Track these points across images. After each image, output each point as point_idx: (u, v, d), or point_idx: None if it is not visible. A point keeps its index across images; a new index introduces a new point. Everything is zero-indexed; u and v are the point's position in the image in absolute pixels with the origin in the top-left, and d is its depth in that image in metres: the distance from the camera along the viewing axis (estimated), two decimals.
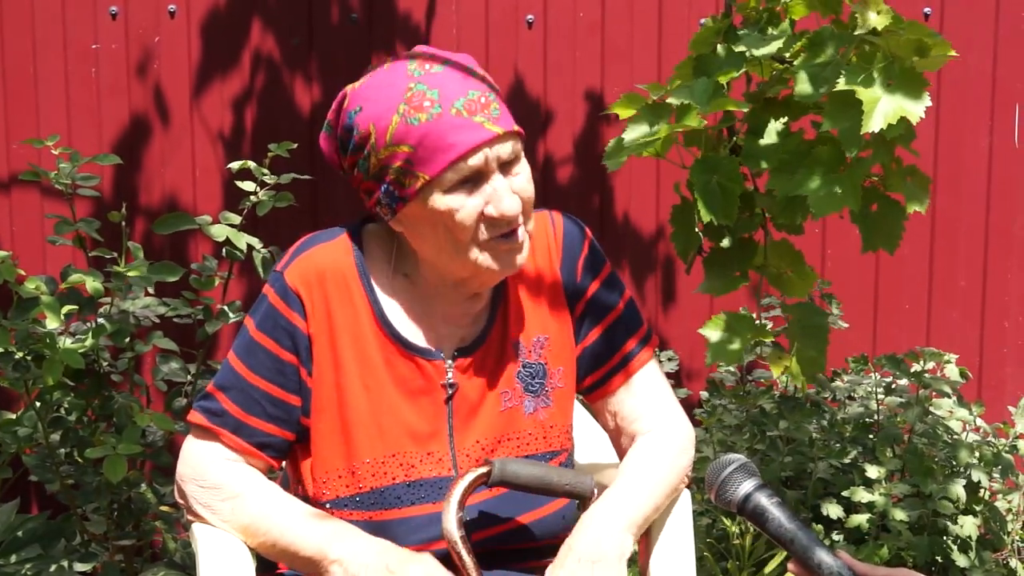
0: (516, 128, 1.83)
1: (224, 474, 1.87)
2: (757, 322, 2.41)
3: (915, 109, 2.10)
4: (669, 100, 2.26)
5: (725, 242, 2.42)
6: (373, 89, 1.82)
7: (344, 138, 1.85)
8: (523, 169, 1.85)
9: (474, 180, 1.80)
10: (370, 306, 1.89)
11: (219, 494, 1.87)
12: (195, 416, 1.90)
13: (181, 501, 1.92)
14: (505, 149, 1.81)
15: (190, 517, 1.92)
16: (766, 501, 1.58)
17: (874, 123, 2.09)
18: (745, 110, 2.29)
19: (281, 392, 1.88)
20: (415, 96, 1.78)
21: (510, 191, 1.81)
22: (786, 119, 2.33)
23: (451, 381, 1.90)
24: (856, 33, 2.17)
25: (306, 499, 1.91)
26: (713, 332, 2.37)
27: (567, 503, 1.96)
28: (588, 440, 2.19)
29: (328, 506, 1.88)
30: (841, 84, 2.13)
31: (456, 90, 1.79)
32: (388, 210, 1.84)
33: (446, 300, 1.92)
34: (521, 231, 1.85)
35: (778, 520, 1.57)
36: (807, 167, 2.21)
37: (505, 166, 1.82)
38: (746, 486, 1.60)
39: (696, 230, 2.38)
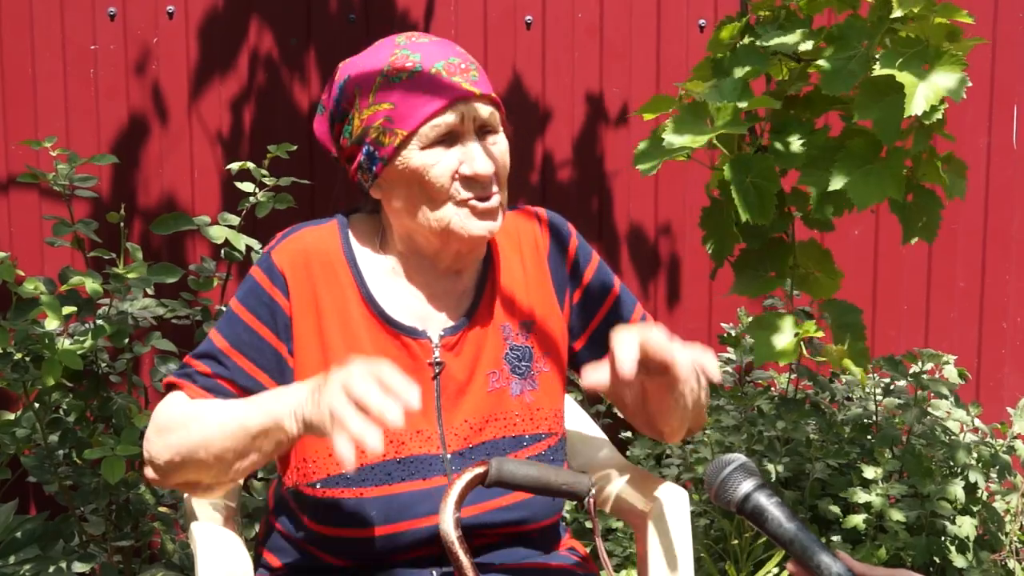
0: (493, 95, 1.89)
1: (175, 408, 1.85)
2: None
3: (955, 88, 2.10)
4: (707, 99, 2.25)
5: (756, 243, 2.42)
6: (361, 59, 1.91)
7: (334, 110, 1.92)
8: (500, 140, 1.90)
9: (450, 139, 1.85)
10: (356, 286, 1.92)
11: (172, 430, 1.83)
12: (167, 379, 1.91)
13: (151, 470, 1.87)
14: (482, 112, 1.86)
15: (156, 476, 1.87)
16: (765, 501, 1.58)
17: (916, 106, 2.08)
18: (777, 106, 2.29)
19: (255, 369, 1.89)
20: (398, 59, 1.86)
21: (485, 154, 1.86)
22: (810, 115, 2.33)
23: (438, 360, 1.92)
24: (889, 17, 2.16)
25: (295, 490, 1.92)
26: (756, 331, 2.37)
27: None
28: (584, 435, 2.20)
29: (319, 485, 1.88)
30: (877, 70, 2.12)
31: (438, 55, 1.86)
32: (368, 175, 1.89)
33: (428, 276, 1.95)
34: (495, 198, 1.88)
35: (777, 520, 1.57)
36: (841, 161, 2.21)
37: (482, 132, 1.88)
38: (745, 486, 1.60)
39: (733, 231, 2.37)
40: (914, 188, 2.32)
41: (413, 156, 1.84)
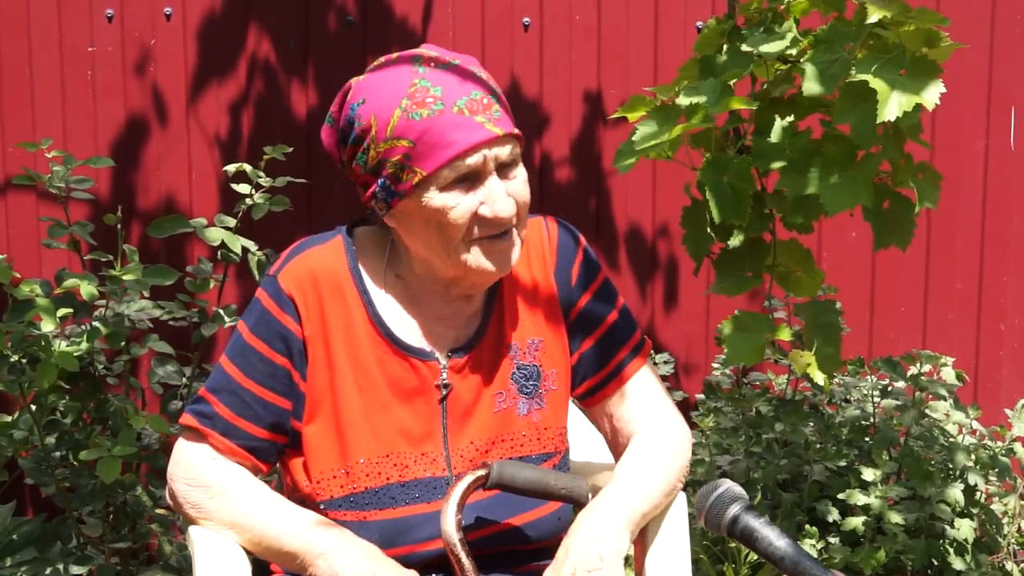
0: (516, 131, 1.85)
1: (212, 473, 1.89)
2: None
3: (929, 96, 2.10)
4: (678, 101, 2.25)
5: (734, 241, 2.42)
6: (377, 82, 1.84)
7: (345, 130, 1.87)
8: (520, 173, 1.86)
9: (471, 180, 1.81)
10: (364, 307, 1.90)
11: (207, 492, 1.88)
12: (186, 419, 1.91)
13: (171, 501, 1.94)
14: (504, 151, 1.82)
15: (181, 514, 1.93)
16: (754, 522, 1.60)
17: (889, 112, 2.08)
18: (754, 108, 2.29)
19: (273, 396, 1.89)
20: (418, 91, 1.79)
21: (505, 194, 1.83)
22: (792, 118, 2.33)
23: (445, 381, 1.91)
24: (866, 23, 2.16)
25: (301, 502, 1.91)
26: (730, 332, 2.37)
27: (562, 504, 1.96)
28: (584, 442, 2.19)
29: (323, 507, 1.88)
30: (853, 76, 2.12)
31: (459, 89, 1.80)
32: (383, 205, 1.85)
33: (439, 300, 1.93)
34: (514, 233, 1.86)
35: (768, 539, 1.58)
36: (817, 166, 2.21)
37: (503, 168, 1.84)
38: (733, 509, 1.61)
39: (708, 231, 2.38)
40: (890, 195, 2.33)
41: (433, 197, 1.80)
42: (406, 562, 1.85)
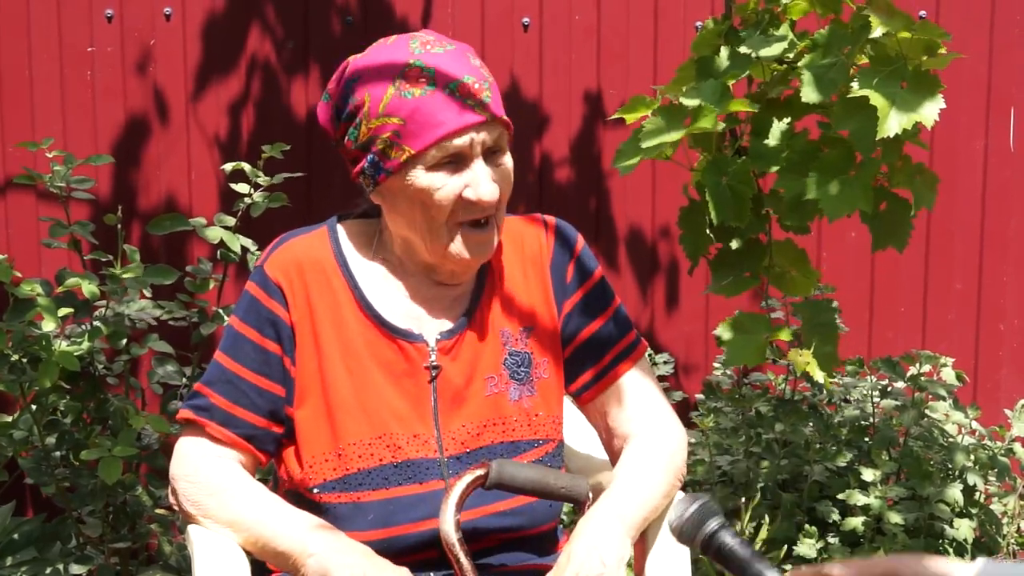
0: (505, 117, 1.88)
1: (212, 470, 1.90)
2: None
3: (929, 113, 2.10)
4: (684, 101, 2.26)
5: (733, 243, 2.42)
6: (373, 61, 1.89)
7: (340, 106, 1.92)
8: (506, 162, 1.90)
9: (457, 161, 1.85)
10: (351, 292, 1.93)
11: (206, 489, 1.89)
12: (184, 414, 1.93)
13: (173, 499, 1.95)
14: (492, 136, 1.86)
15: (182, 514, 1.94)
16: (731, 540, 1.57)
17: (889, 128, 2.09)
18: (755, 110, 2.29)
19: (267, 382, 1.91)
20: (412, 72, 1.84)
21: (490, 178, 1.86)
22: (790, 119, 2.33)
23: (434, 363, 1.92)
24: (867, 35, 2.17)
25: (294, 492, 1.92)
26: (728, 333, 2.37)
27: None
28: (584, 440, 2.20)
29: (316, 491, 1.89)
30: (855, 90, 2.12)
31: (452, 72, 1.84)
32: (370, 180, 1.89)
33: (423, 281, 1.96)
34: (491, 226, 1.89)
35: (742, 558, 1.56)
36: (817, 171, 2.21)
37: (490, 154, 1.87)
38: (711, 525, 1.58)
39: (707, 231, 2.38)
40: (888, 196, 2.33)
41: (419, 176, 1.84)
42: (400, 543, 1.87)
